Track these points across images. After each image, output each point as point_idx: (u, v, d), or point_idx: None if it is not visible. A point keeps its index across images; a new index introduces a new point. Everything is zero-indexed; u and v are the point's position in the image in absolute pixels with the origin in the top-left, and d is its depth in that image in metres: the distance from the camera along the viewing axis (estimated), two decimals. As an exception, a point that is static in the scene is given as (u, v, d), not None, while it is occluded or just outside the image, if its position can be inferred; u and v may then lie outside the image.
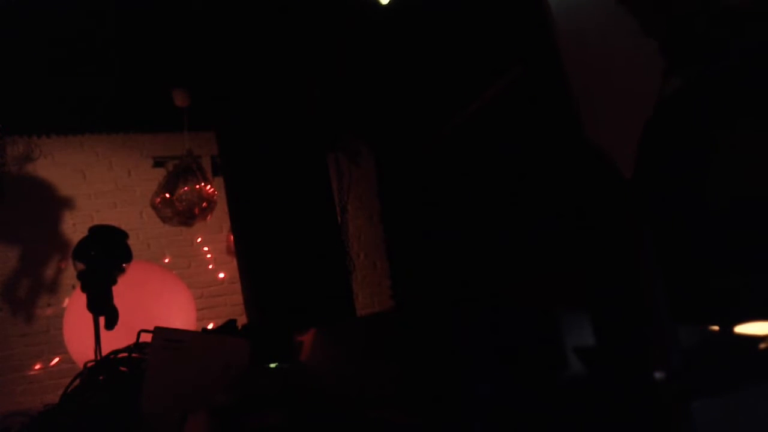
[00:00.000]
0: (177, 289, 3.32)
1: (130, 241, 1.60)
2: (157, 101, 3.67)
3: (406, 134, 3.34)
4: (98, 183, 4.32)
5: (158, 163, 4.37)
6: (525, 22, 2.25)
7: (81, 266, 1.47)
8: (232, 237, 4.16)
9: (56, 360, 3.93)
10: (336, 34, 3.07)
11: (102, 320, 1.44)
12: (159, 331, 0.92)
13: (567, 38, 2.05)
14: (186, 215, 3.72)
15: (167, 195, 3.69)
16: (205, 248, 4.49)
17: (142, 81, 3.42)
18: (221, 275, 4.49)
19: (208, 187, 3.74)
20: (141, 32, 2.95)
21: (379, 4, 2.73)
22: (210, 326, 4.19)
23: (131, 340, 1.13)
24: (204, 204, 3.70)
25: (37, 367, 3.94)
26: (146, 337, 1.00)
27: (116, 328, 1.46)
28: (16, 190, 4.08)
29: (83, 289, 1.46)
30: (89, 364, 1.18)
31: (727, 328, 0.36)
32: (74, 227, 4.14)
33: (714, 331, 0.36)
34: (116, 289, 1.48)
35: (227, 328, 1.32)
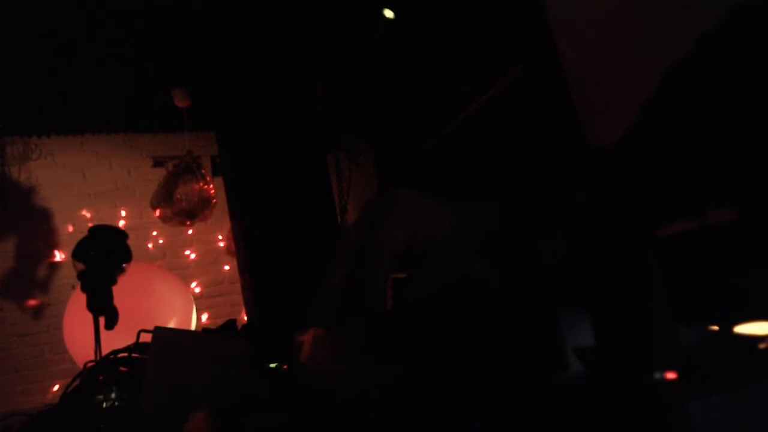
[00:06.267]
0: (177, 289, 3.32)
1: (130, 241, 1.59)
2: (157, 101, 3.67)
3: (407, 134, 3.34)
4: (98, 183, 4.32)
5: (158, 163, 4.38)
6: (525, 23, 2.25)
7: (81, 266, 1.47)
8: (232, 237, 4.16)
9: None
10: (337, 35, 3.07)
11: (102, 320, 1.44)
12: (159, 331, 0.92)
13: (567, 39, 2.06)
14: (186, 215, 3.72)
15: (167, 195, 3.69)
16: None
17: (142, 81, 3.42)
18: (226, 267, 4.48)
19: (208, 187, 3.74)
20: (141, 32, 2.95)
21: (385, 18, 2.74)
22: (206, 319, 4.19)
23: (131, 340, 1.13)
24: (204, 204, 3.70)
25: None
26: (146, 337, 1.00)
27: (116, 328, 1.45)
28: (16, 190, 4.08)
29: (83, 289, 1.45)
30: (89, 364, 1.18)
31: (727, 328, 0.36)
32: (74, 227, 4.14)
33: (714, 331, 0.36)
34: (116, 289, 1.48)
35: (227, 328, 1.32)
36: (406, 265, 0.43)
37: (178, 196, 3.67)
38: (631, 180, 0.45)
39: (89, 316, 1.43)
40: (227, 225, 4.23)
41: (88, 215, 4.22)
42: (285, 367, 0.87)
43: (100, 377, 1.04)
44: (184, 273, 4.29)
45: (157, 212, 3.78)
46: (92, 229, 1.55)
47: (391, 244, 0.41)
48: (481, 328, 0.35)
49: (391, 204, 0.43)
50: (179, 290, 3.35)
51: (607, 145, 0.51)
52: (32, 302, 4.04)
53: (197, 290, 4.38)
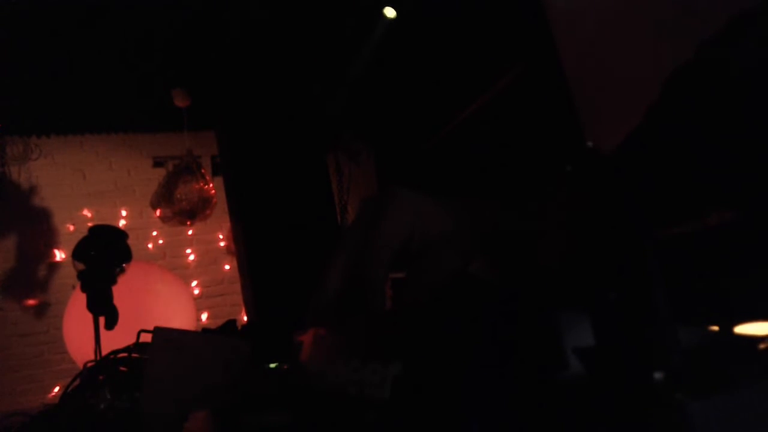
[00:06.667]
0: (177, 289, 3.32)
1: (130, 241, 1.59)
2: (157, 101, 3.67)
3: (406, 134, 3.34)
4: (98, 183, 4.32)
5: (158, 163, 4.38)
6: (525, 23, 2.25)
7: (81, 266, 1.47)
8: (231, 237, 4.16)
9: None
10: (336, 36, 3.07)
11: (102, 320, 1.44)
12: (159, 331, 0.92)
13: (567, 38, 2.06)
14: (186, 215, 3.72)
15: (167, 195, 3.69)
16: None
17: (142, 81, 3.43)
18: (226, 267, 4.48)
19: (208, 187, 3.74)
20: (141, 32, 2.95)
21: (386, 17, 2.74)
22: (206, 319, 4.19)
23: (131, 340, 1.13)
24: (204, 204, 3.71)
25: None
26: (146, 337, 1.00)
27: (116, 328, 1.46)
28: (16, 190, 4.08)
29: (83, 289, 1.45)
30: (89, 364, 1.18)
31: (727, 328, 0.36)
32: (74, 227, 4.14)
33: (714, 331, 0.36)
34: (116, 289, 1.48)
35: (227, 328, 1.32)
36: (405, 265, 0.43)
37: (178, 196, 3.67)
38: (634, 183, 0.45)
39: (89, 316, 1.43)
40: (227, 225, 4.23)
41: (89, 215, 4.22)
42: (285, 367, 0.87)
43: (100, 377, 1.04)
44: (184, 273, 4.29)
45: (158, 212, 3.78)
46: (92, 229, 1.55)
47: (390, 243, 0.41)
48: (480, 327, 0.35)
49: (389, 203, 0.42)
50: (179, 290, 3.35)
51: (609, 148, 0.51)
52: (32, 302, 4.04)
53: (197, 290, 4.38)
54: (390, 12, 2.83)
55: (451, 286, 0.42)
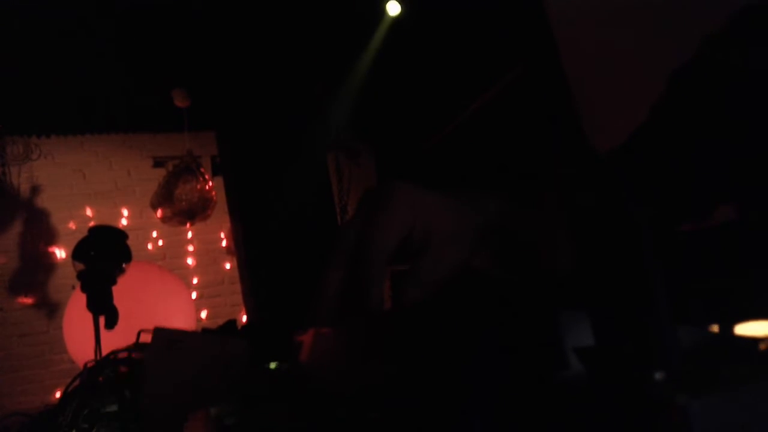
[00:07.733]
0: (176, 289, 3.32)
1: (130, 241, 1.59)
2: (157, 101, 3.67)
3: (407, 134, 3.34)
4: (98, 183, 4.32)
5: (158, 163, 4.37)
6: (525, 23, 2.25)
7: (81, 266, 1.47)
8: (232, 237, 4.16)
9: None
10: (337, 36, 3.07)
11: (102, 320, 1.45)
12: (159, 331, 0.92)
13: (567, 38, 2.06)
14: (185, 215, 3.72)
15: (167, 195, 3.69)
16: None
17: (142, 81, 3.42)
18: (227, 266, 4.47)
19: (208, 187, 3.74)
20: (141, 32, 2.95)
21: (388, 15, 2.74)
22: (205, 316, 4.19)
23: (131, 340, 1.13)
24: (204, 204, 3.70)
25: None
26: (146, 337, 1.00)
27: (116, 328, 1.46)
28: (16, 190, 4.08)
29: (83, 289, 1.46)
30: (89, 364, 1.18)
31: (727, 328, 0.36)
32: (75, 227, 4.14)
33: (714, 331, 0.36)
34: (116, 289, 1.48)
35: (227, 328, 1.32)
36: (408, 258, 0.42)
37: (178, 196, 3.67)
38: (636, 181, 0.45)
39: (89, 316, 1.43)
40: (227, 225, 4.22)
41: (89, 215, 4.22)
42: (285, 367, 0.87)
43: (100, 377, 1.04)
44: (184, 273, 4.28)
45: (159, 212, 3.78)
46: (92, 230, 1.55)
47: (389, 241, 0.40)
48: (480, 326, 0.35)
49: (389, 198, 0.42)
50: (179, 290, 3.35)
51: (612, 148, 0.51)
52: (32, 302, 4.04)
53: (197, 290, 4.38)
54: (393, 9, 2.83)
55: (452, 284, 0.42)
